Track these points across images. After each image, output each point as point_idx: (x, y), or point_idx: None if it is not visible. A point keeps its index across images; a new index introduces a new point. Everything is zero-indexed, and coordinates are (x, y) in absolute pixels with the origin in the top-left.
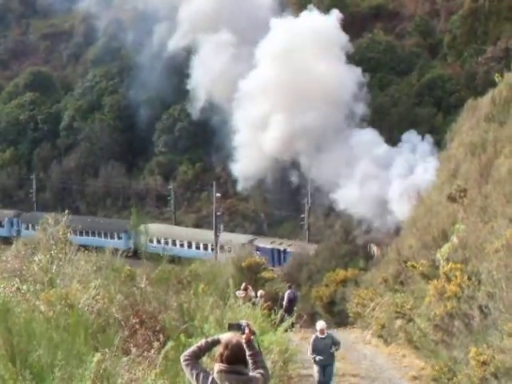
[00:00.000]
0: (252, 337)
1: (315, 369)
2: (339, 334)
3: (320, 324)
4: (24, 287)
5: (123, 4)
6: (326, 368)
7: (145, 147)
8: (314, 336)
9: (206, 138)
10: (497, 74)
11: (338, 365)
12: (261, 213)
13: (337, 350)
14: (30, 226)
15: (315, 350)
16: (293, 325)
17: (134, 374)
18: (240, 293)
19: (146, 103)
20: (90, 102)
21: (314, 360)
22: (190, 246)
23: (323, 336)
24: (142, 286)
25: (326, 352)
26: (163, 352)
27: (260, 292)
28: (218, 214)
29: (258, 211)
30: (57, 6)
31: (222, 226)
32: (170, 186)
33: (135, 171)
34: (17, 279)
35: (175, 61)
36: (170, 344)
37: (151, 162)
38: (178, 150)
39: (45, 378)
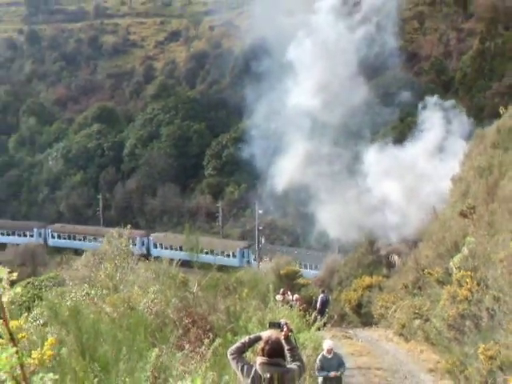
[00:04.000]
0: (289, 334)
1: None
2: (365, 332)
3: (327, 343)
4: (92, 292)
5: (177, 47)
6: None
7: (196, 170)
8: (320, 355)
9: (249, 163)
10: (501, 107)
11: (364, 359)
12: (297, 227)
13: (341, 373)
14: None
15: (321, 369)
16: (325, 324)
17: (187, 367)
18: (279, 297)
19: (198, 133)
20: (150, 132)
21: (322, 379)
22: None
23: (330, 356)
24: (194, 291)
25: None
26: (212, 348)
27: (296, 296)
28: (260, 228)
29: (295, 226)
30: (120, 49)
31: (263, 239)
32: (218, 204)
33: (188, 191)
34: (86, 285)
35: (223, 96)
36: (218, 341)
37: (202, 183)
38: (226, 172)
39: (110, 370)
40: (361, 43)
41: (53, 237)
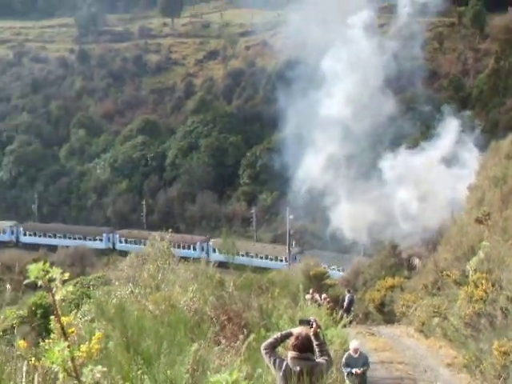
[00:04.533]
0: (318, 330)
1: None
2: (387, 329)
3: (353, 344)
4: (136, 291)
5: (215, 65)
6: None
7: (232, 179)
8: (347, 353)
9: (281, 172)
10: None
11: (386, 354)
12: (325, 231)
13: (364, 371)
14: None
15: (346, 366)
16: (350, 322)
17: (224, 361)
18: (308, 296)
19: (234, 144)
20: (189, 143)
21: (348, 375)
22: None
23: (356, 355)
24: (230, 290)
25: (353, 367)
26: (247, 343)
27: (324, 295)
28: (291, 233)
29: (323, 230)
30: (162, 67)
31: (293, 243)
32: (252, 210)
33: (225, 198)
34: (130, 284)
35: (257, 111)
36: (252, 336)
37: (237, 191)
38: (259, 181)
39: (153, 363)
40: (389, 60)
41: (120, 241)
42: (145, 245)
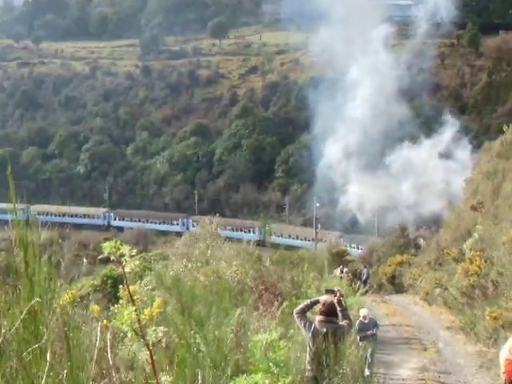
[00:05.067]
0: (341, 298)
1: (361, 345)
2: (397, 298)
3: (363, 312)
4: (189, 265)
5: (255, 78)
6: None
7: (269, 173)
8: (358, 320)
9: (310, 167)
10: (504, 126)
11: (396, 319)
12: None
13: (374, 332)
14: (195, 224)
15: (359, 330)
16: (366, 292)
17: (261, 323)
18: (337, 271)
19: (270, 144)
20: (234, 143)
21: (360, 338)
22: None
23: (366, 321)
24: (267, 264)
25: (365, 331)
26: (281, 309)
27: (345, 269)
28: (317, 217)
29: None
30: (212, 80)
31: (319, 226)
32: (285, 199)
33: (262, 189)
34: (184, 260)
35: (289, 116)
36: (285, 303)
37: (273, 182)
38: (291, 175)
39: (203, 324)
40: (402, 73)
41: (193, 226)
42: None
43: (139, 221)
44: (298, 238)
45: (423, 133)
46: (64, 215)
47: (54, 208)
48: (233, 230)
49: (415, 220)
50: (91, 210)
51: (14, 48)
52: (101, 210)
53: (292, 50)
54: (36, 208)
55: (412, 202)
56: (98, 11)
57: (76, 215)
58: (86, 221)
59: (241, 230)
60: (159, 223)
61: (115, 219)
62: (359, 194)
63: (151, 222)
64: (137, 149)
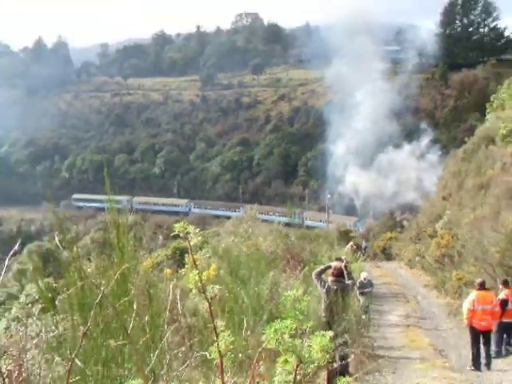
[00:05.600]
0: (347, 264)
1: (361, 298)
2: (388, 264)
3: (363, 274)
4: (235, 240)
5: (283, 104)
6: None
7: (294, 173)
8: (359, 280)
9: (324, 169)
10: (466, 138)
11: (387, 279)
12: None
13: (370, 290)
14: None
15: (360, 287)
16: (365, 259)
17: (288, 282)
18: (349, 245)
19: (294, 152)
20: (268, 151)
21: (360, 293)
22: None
23: (365, 281)
24: (292, 240)
25: (364, 289)
26: (302, 272)
27: (350, 243)
28: (329, 205)
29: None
30: (251, 105)
31: (331, 211)
32: (305, 191)
33: (288, 184)
34: (232, 236)
35: (309, 132)
36: (306, 268)
37: (297, 179)
38: (310, 174)
39: (246, 283)
40: (394, 97)
41: (236, 211)
42: (266, 215)
43: (212, 209)
44: (315, 220)
45: (405, 141)
46: (156, 204)
47: (152, 199)
48: (267, 214)
49: (397, 206)
50: (176, 201)
51: (109, 83)
52: (183, 201)
53: (310, 83)
54: (137, 199)
55: (394, 192)
56: (168, 55)
57: (165, 204)
58: (174, 208)
59: (273, 214)
60: (225, 210)
61: (194, 207)
62: (355, 183)
63: (222, 210)
64: (197, 156)
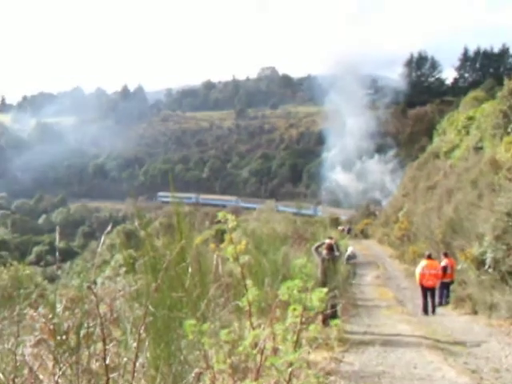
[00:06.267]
0: (336, 241)
1: (348, 267)
2: (365, 242)
3: (350, 249)
4: (259, 224)
5: (291, 129)
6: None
7: (300, 177)
8: (347, 253)
9: (323, 174)
10: (419, 154)
11: (364, 252)
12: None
13: (354, 260)
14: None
15: (347, 259)
16: (349, 238)
17: (296, 254)
18: (340, 228)
19: (301, 162)
20: (281, 162)
21: (347, 263)
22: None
23: (351, 254)
24: (298, 224)
25: (351, 260)
26: (307, 246)
27: (340, 227)
28: (324, 200)
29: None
30: (270, 130)
31: (325, 204)
32: (308, 191)
33: (296, 185)
34: (256, 221)
35: (310, 148)
36: (309, 244)
37: (302, 182)
38: (312, 178)
39: (267, 253)
40: (373, 123)
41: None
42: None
43: (258, 203)
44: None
45: (376, 154)
46: (213, 200)
47: (215, 196)
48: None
49: (370, 200)
50: (228, 198)
51: (172, 115)
52: (232, 198)
53: (312, 115)
54: (202, 196)
55: (366, 189)
56: (214, 96)
57: (220, 200)
58: (227, 203)
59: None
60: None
61: (242, 202)
62: (341, 183)
63: (248, 203)
64: (233, 165)
